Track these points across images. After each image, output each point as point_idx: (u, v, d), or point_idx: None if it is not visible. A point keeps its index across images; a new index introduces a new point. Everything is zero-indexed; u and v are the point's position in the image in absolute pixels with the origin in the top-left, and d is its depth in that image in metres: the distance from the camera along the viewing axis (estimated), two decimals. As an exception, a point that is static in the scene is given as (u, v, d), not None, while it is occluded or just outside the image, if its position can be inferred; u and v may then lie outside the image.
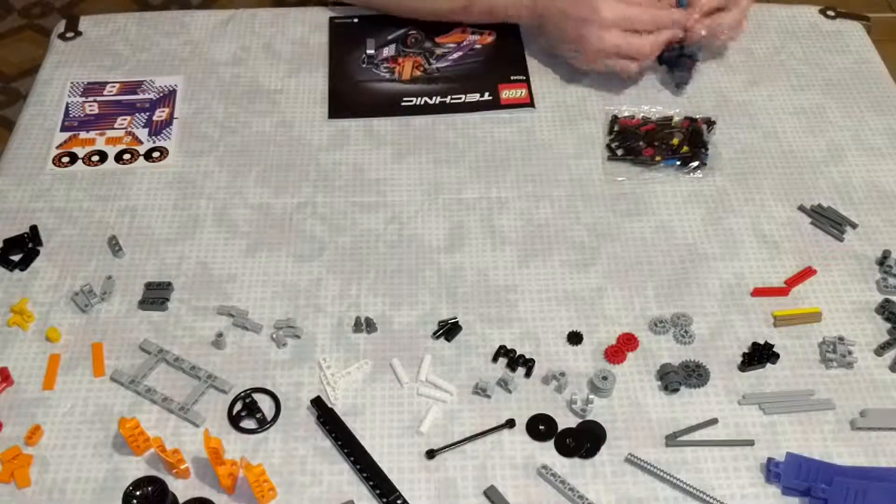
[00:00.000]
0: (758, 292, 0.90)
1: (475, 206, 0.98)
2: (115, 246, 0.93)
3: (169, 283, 0.90)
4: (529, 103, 1.08)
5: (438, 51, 1.13)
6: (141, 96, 1.08)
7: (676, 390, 0.83)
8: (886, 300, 0.89)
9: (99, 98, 1.08)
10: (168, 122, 1.05)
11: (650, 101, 1.09)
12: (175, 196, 0.99)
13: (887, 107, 1.09)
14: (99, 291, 0.90)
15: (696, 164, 1.00)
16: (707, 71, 1.13)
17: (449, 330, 0.87)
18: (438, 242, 0.95)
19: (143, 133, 1.04)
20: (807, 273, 0.92)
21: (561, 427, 0.80)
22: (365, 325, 0.87)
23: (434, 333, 0.87)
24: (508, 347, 0.86)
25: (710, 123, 1.04)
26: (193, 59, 1.14)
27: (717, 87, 1.11)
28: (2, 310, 0.89)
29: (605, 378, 0.82)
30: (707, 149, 1.02)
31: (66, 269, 0.92)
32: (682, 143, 1.02)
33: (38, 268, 0.92)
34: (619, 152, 1.02)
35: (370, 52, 1.13)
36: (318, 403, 0.81)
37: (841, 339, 0.86)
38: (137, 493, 0.73)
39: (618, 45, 1.03)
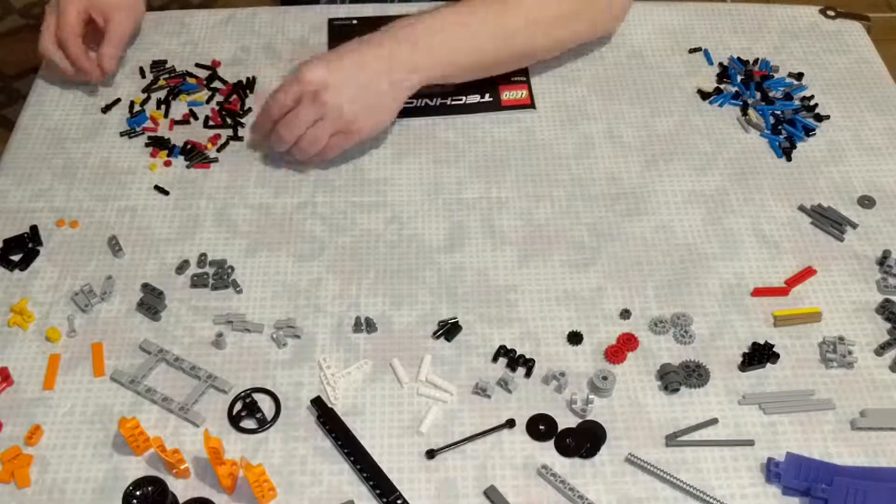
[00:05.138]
0: (758, 292, 0.90)
1: (475, 206, 0.98)
2: (115, 246, 0.93)
3: (161, 293, 0.89)
4: (530, 104, 1.08)
5: None
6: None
7: (676, 390, 0.83)
8: (886, 300, 0.89)
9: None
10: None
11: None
12: (175, 196, 0.99)
13: (887, 107, 1.09)
14: (99, 291, 0.90)
15: None
16: (699, 73, 1.13)
17: (449, 330, 0.87)
18: (438, 242, 0.95)
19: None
20: (807, 273, 0.92)
21: (561, 427, 0.80)
22: (365, 325, 0.87)
23: (434, 333, 0.87)
24: (508, 347, 0.86)
25: None
26: (193, 59, 1.13)
27: (717, 87, 1.11)
28: (2, 310, 0.89)
29: (605, 378, 0.82)
30: None
31: (66, 269, 0.92)
32: None
33: (38, 268, 0.92)
34: None
35: None
36: (318, 403, 0.81)
37: (841, 339, 0.86)
38: (137, 493, 0.73)
39: None
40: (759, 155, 1.03)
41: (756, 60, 1.13)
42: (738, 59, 1.13)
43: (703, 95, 1.09)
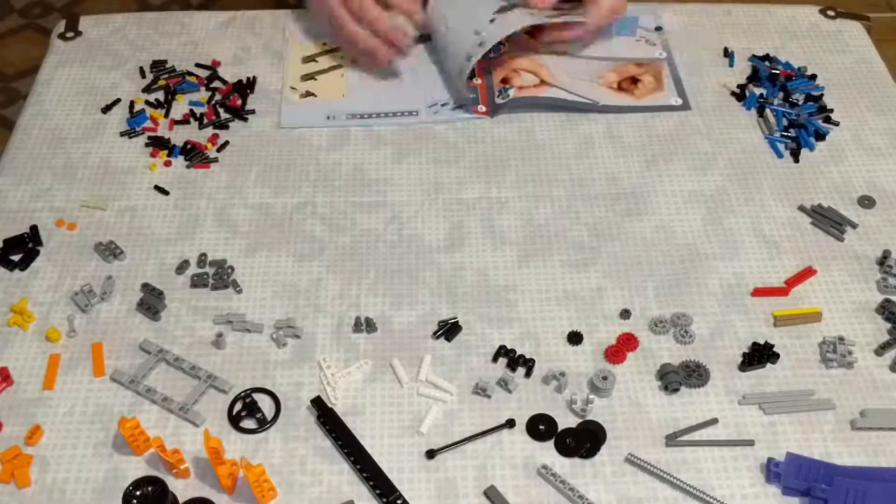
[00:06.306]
0: (758, 292, 0.90)
1: (475, 206, 0.98)
2: (104, 251, 0.92)
3: (161, 293, 0.89)
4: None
5: None
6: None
7: (676, 390, 0.83)
8: (886, 300, 0.89)
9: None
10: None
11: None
12: (175, 196, 0.99)
13: (887, 107, 1.09)
14: (99, 291, 0.90)
15: None
16: (701, 71, 1.13)
17: (449, 330, 0.87)
18: (438, 242, 0.95)
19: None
20: (807, 273, 0.92)
21: (561, 427, 0.80)
22: (365, 325, 0.87)
23: (434, 333, 0.87)
24: (508, 347, 0.86)
25: None
26: (194, 59, 1.14)
27: (718, 84, 1.11)
28: (2, 310, 0.89)
29: (605, 378, 0.82)
30: None
31: (66, 269, 0.92)
32: None
33: (38, 268, 0.92)
34: None
35: None
36: (318, 403, 0.81)
37: (841, 339, 0.86)
38: (137, 493, 0.73)
39: None
40: (759, 155, 1.03)
41: (767, 57, 1.13)
42: (758, 56, 1.13)
43: (737, 97, 1.09)
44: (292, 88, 1.09)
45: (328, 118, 1.06)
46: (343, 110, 1.07)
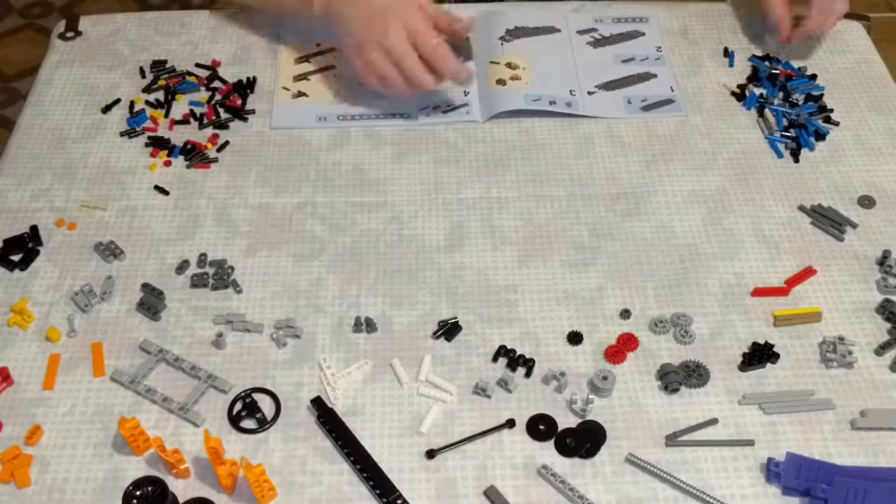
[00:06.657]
0: (758, 292, 0.90)
1: (475, 206, 0.98)
2: (104, 251, 0.92)
3: (161, 293, 0.89)
4: None
5: None
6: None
7: (676, 390, 0.83)
8: (886, 300, 0.89)
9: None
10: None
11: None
12: (175, 196, 0.99)
13: (887, 107, 1.09)
14: (99, 291, 0.90)
15: None
16: (701, 71, 1.13)
17: (449, 330, 0.87)
18: (438, 242, 0.95)
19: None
20: (807, 273, 0.92)
21: (561, 427, 0.80)
22: (365, 325, 0.87)
23: (434, 333, 0.87)
24: (508, 347, 0.86)
25: None
26: (194, 59, 1.13)
27: (717, 85, 1.11)
28: (2, 310, 0.89)
29: (605, 378, 0.82)
30: None
31: (66, 269, 0.92)
32: None
33: (38, 268, 0.92)
34: None
35: None
36: (318, 403, 0.81)
37: (841, 339, 0.86)
38: (137, 493, 0.73)
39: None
40: (759, 155, 1.03)
41: (767, 57, 1.13)
42: (758, 56, 1.13)
43: (737, 97, 1.09)
44: (284, 89, 1.09)
45: (319, 119, 1.06)
46: (335, 111, 1.07)
